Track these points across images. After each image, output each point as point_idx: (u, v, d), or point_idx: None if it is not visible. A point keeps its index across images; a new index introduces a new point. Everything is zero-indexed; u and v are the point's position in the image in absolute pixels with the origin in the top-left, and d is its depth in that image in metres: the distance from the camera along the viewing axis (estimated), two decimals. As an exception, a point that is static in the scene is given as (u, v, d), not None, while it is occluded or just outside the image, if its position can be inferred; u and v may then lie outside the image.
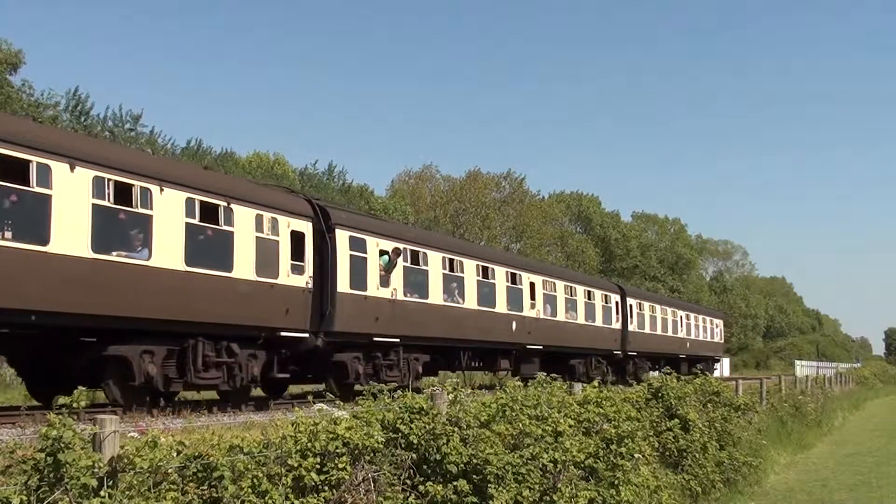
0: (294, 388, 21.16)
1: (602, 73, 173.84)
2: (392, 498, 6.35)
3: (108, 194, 12.75)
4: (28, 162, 11.61)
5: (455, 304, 21.88)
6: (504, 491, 6.99)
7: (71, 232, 12.12)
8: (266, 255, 15.77)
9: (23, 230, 11.69)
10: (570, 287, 29.53)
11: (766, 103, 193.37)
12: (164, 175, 13.90)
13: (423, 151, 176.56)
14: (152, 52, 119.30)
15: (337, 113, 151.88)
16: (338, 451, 6.03)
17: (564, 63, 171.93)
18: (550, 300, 27.61)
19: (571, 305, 29.33)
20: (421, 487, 6.66)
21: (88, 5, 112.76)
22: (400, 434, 6.79)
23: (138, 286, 13.19)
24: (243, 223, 15.30)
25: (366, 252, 18.48)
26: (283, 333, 16.23)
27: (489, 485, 6.92)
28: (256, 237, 15.56)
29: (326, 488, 5.89)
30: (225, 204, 14.93)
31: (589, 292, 31.01)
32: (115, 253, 12.94)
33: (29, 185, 11.67)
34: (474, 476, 6.91)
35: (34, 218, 11.88)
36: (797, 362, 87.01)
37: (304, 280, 16.78)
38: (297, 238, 16.68)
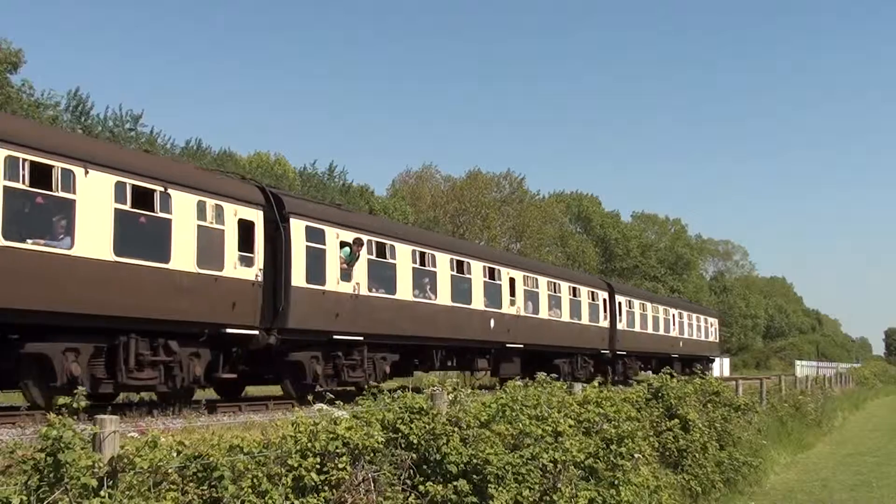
0: (256, 391, 19.97)
1: (602, 72, 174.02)
2: (392, 498, 6.35)
3: (23, 176, 11.58)
4: None
5: (426, 300, 20.69)
6: (504, 491, 6.99)
7: None
8: (209, 246, 14.57)
9: None
10: (554, 283, 28.41)
11: (767, 103, 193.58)
12: (89, 156, 12.68)
13: (423, 151, 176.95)
14: (152, 52, 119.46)
15: (337, 113, 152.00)
16: (338, 451, 6.03)
17: (565, 63, 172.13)
18: (532, 296, 26.47)
19: (555, 302, 28.17)
20: (421, 487, 6.66)
21: (88, 5, 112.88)
22: (400, 434, 6.79)
23: (58, 277, 12.06)
24: (183, 210, 14.10)
25: (324, 243, 17.28)
26: (229, 330, 15.04)
27: (489, 485, 6.92)
28: (198, 225, 14.39)
29: (326, 488, 5.89)
30: (162, 189, 13.71)
31: (574, 289, 29.90)
32: (30, 241, 11.82)
33: None
34: (474, 476, 6.91)
35: None
36: (797, 362, 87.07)
37: (254, 273, 15.59)
38: (245, 227, 15.50)
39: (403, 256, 19.85)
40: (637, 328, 35.39)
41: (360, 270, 18.23)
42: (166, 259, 13.81)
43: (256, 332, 15.69)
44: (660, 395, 12.13)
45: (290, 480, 5.70)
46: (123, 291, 12.98)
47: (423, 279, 20.73)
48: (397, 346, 19.85)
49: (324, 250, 17.28)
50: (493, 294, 23.91)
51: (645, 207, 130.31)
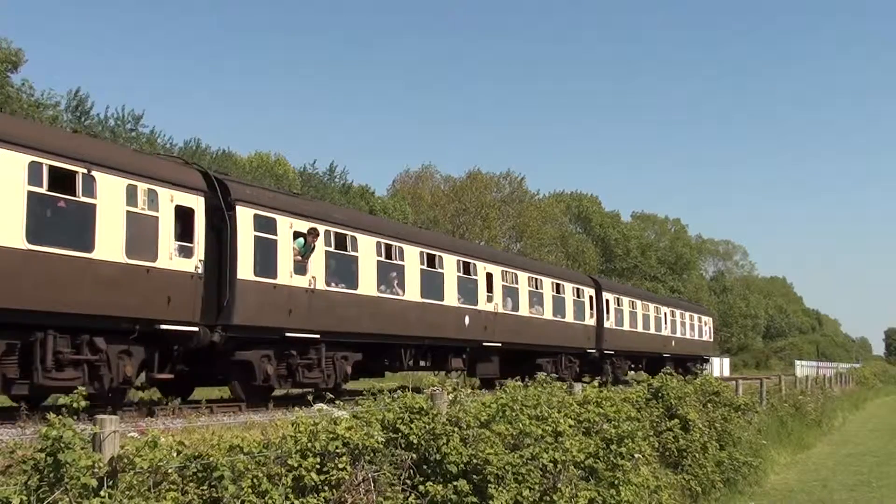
0: (206, 393, 18.14)
1: (602, 72, 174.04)
2: (392, 498, 6.35)
3: None
4: None
5: (393, 295, 19.39)
6: (504, 491, 6.99)
7: None
8: (140, 234, 13.33)
9: None
10: (535, 279, 26.90)
11: (767, 103, 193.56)
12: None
13: (423, 151, 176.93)
14: (152, 52, 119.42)
15: (337, 113, 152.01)
16: (338, 451, 6.03)
17: (565, 63, 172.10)
18: (511, 293, 25.12)
19: (537, 299, 26.83)
20: (421, 487, 6.66)
21: (88, 5, 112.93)
22: (400, 434, 6.79)
23: None
24: (109, 195, 12.87)
25: (276, 234, 16.03)
26: (163, 327, 13.74)
27: (489, 485, 6.92)
28: (127, 212, 13.14)
29: (326, 488, 5.89)
30: (84, 171, 12.48)
31: (558, 285, 28.54)
32: None
33: None
34: (474, 476, 6.91)
35: None
36: (797, 362, 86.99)
37: (193, 264, 14.33)
38: (183, 215, 14.25)
39: (367, 248, 18.56)
40: (626, 326, 34.05)
41: (317, 263, 16.98)
42: (89, 248, 12.54)
43: (197, 329, 14.40)
44: (660, 395, 12.14)
45: (290, 480, 5.70)
46: (38, 283, 11.75)
47: (390, 273, 19.53)
48: (360, 345, 18.69)
49: (275, 241, 16.04)
50: (467, 290, 22.68)
51: (645, 207, 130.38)
